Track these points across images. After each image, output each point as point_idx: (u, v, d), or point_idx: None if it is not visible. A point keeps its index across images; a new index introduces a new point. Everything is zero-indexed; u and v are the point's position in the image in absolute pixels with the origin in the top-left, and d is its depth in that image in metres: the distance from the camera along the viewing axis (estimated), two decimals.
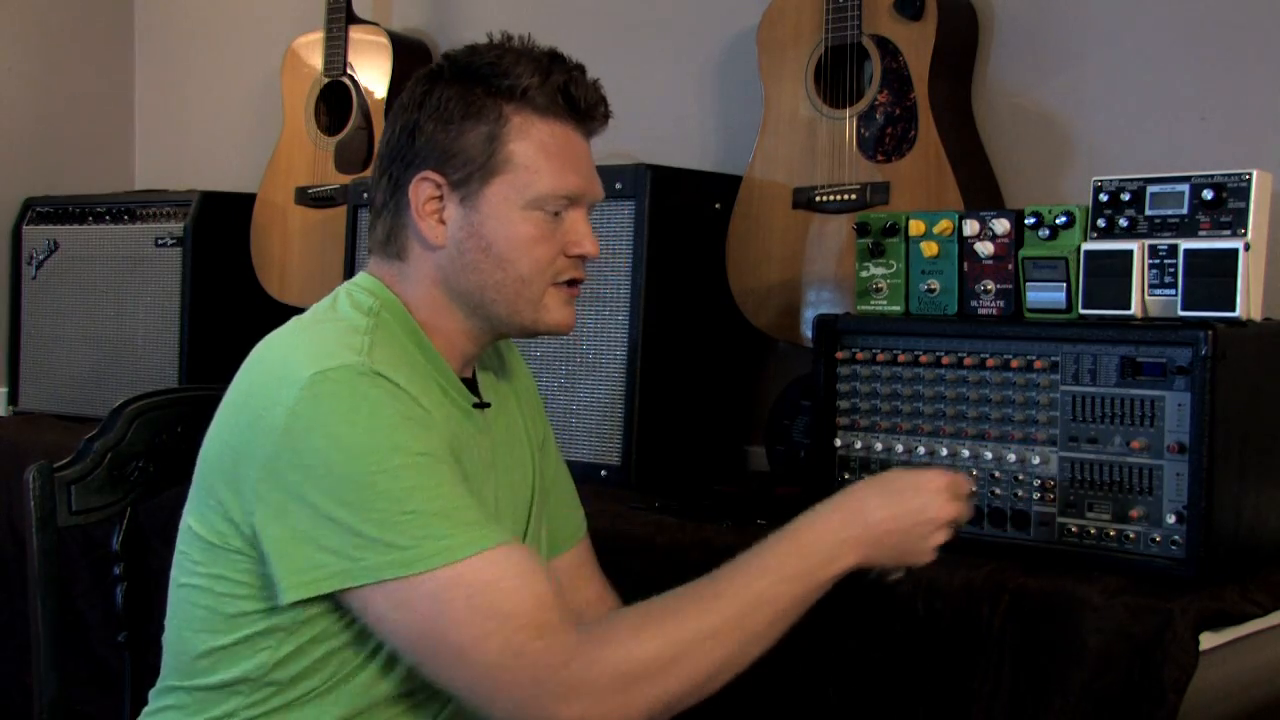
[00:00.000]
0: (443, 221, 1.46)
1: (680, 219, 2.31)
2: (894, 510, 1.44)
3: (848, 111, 2.22)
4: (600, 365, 2.27)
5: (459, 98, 1.46)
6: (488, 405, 1.54)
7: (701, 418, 2.38)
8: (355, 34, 2.90)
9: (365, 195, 2.54)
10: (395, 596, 1.29)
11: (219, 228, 3.00)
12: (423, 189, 1.46)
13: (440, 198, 1.46)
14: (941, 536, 1.46)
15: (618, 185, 2.26)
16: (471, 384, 1.53)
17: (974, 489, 1.56)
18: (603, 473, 2.25)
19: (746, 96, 2.47)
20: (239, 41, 3.49)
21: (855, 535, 1.41)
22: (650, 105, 2.74)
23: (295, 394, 1.31)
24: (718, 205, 2.36)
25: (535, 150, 1.45)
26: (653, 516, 1.98)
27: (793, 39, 2.29)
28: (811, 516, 1.43)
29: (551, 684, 1.27)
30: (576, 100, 1.48)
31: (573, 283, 1.51)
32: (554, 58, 1.51)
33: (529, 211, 1.45)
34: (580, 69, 1.52)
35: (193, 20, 3.60)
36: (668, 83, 2.72)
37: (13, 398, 3.20)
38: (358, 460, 1.30)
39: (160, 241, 2.98)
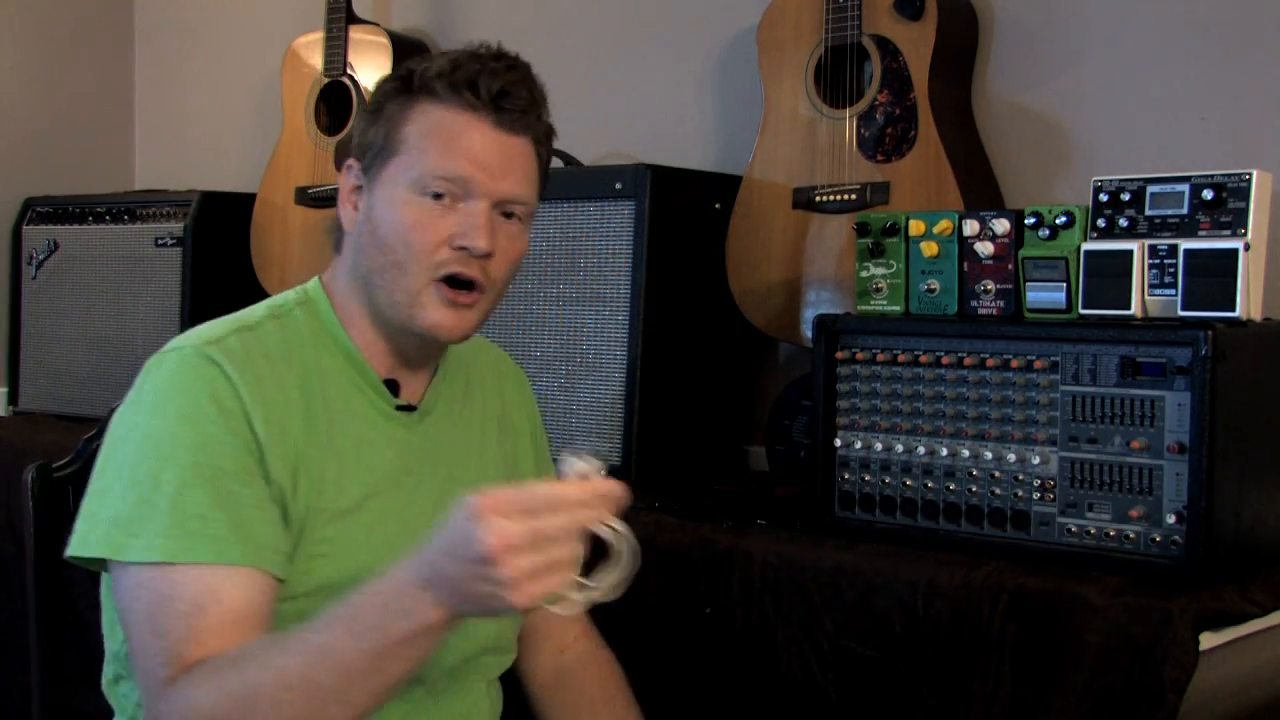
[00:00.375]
0: (357, 208, 1.47)
1: (680, 219, 2.31)
2: (442, 547, 1.18)
3: (848, 111, 2.22)
4: (600, 365, 2.27)
5: (382, 90, 1.47)
6: (413, 409, 1.51)
7: (701, 418, 2.38)
8: (355, 34, 2.90)
9: None
10: (115, 576, 1.34)
11: (219, 228, 3.00)
12: (347, 176, 1.48)
13: (361, 187, 1.47)
14: (518, 566, 1.13)
15: (618, 185, 2.26)
16: (394, 385, 1.50)
17: (590, 479, 1.19)
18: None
19: (746, 96, 2.47)
20: (239, 41, 3.49)
21: (424, 581, 1.20)
22: (650, 105, 2.74)
23: (143, 372, 1.40)
24: (718, 205, 2.36)
25: (426, 132, 1.43)
26: (653, 516, 1.98)
27: (793, 39, 2.29)
28: (400, 562, 1.23)
29: (146, 716, 1.31)
30: (478, 88, 1.42)
31: (458, 283, 1.42)
32: (487, 56, 1.46)
33: (411, 194, 1.42)
34: (508, 67, 1.45)
35: (193, 20, 3.60)
36: (668, 83, 2.72)
37: (13, 398, 3.20)
38: (139, 440, 1.35)
39: (160, 241, 2.98)
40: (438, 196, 1.41)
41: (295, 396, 1.41)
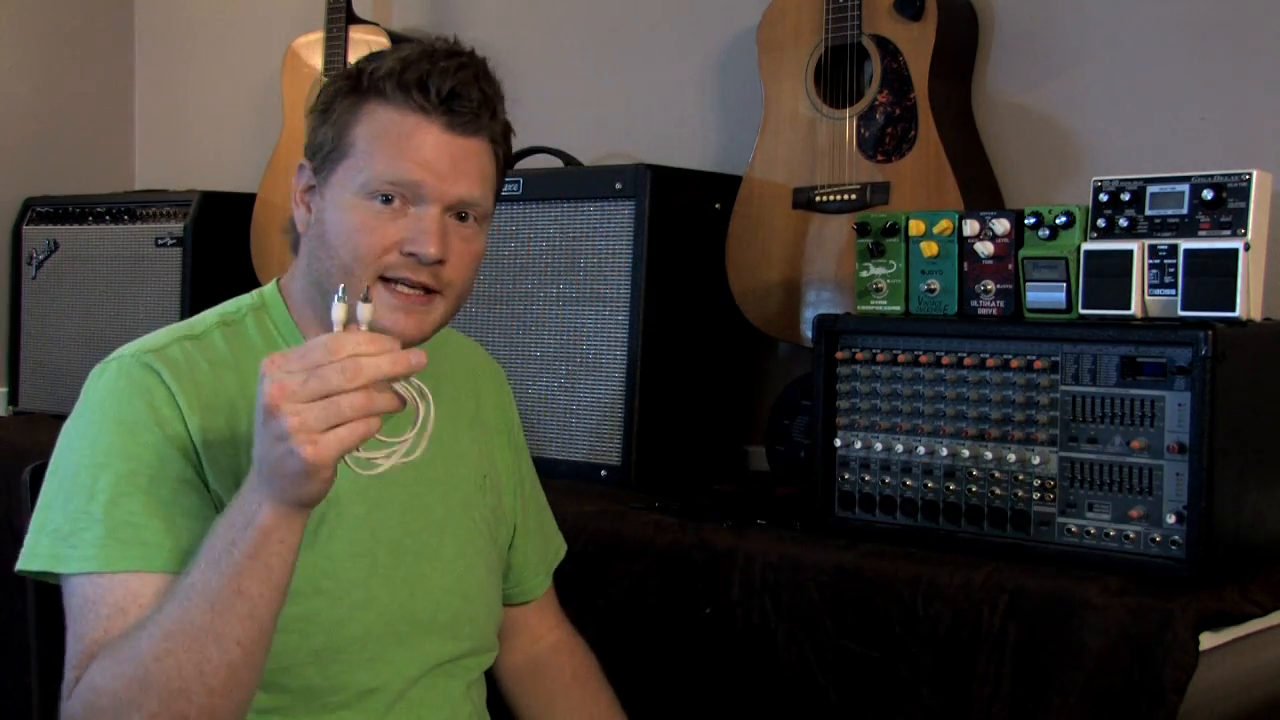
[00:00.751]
0: (310, 209, 1.46)
1: (680, 219, 2.31)
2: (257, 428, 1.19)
3: (848, 111, 2.22)
4: (600, 365, 2.27)
5: (332, 89, 1.45)
6: None
7: (701, 418, 2.38)
8: (355, 34, 2.90)
9: None
10: (64, 585, 1.32)
11: (219, 228, 3.00)
12: (300, 177, 1.46)
13: (313, 187, 1.45)
14: (302, 416, 1.13)
15: (618, 185, 2.26)
16: None
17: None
18: (603, 473, 2.25)
19: (746, 96, 2.47)
20: (239, 41, 3.49)
21: (250, 482, 1.21)
22: (650, 105, 2.74)
23: (86, 381, 1.41)
24: (718, 205, 2.36)
25: (374, 135, 1.39)
26: (653, 516, 1.98)
27: (793, 39, 2.29)
28: None
29: (62, 714, 1.28)
30: (428, 89, 1.38)
31: (411, 285, 1.40)
32: (439, 53, 1.41)
33: (359, 198, 1.39)
34: (460, 65, 1.40)
35: (193, 20, 3.60)
36: (668, 83, 2.72)
37: (13, 398, 3.20)
38: (79, 450, 1.35)
39: (160, 241, 2.98)
40: (387, 200, 1.39)
41: (240, 405, 1.38)
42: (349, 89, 1.43)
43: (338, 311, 1.20)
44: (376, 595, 1.44)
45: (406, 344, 1.40)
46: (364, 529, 1.44)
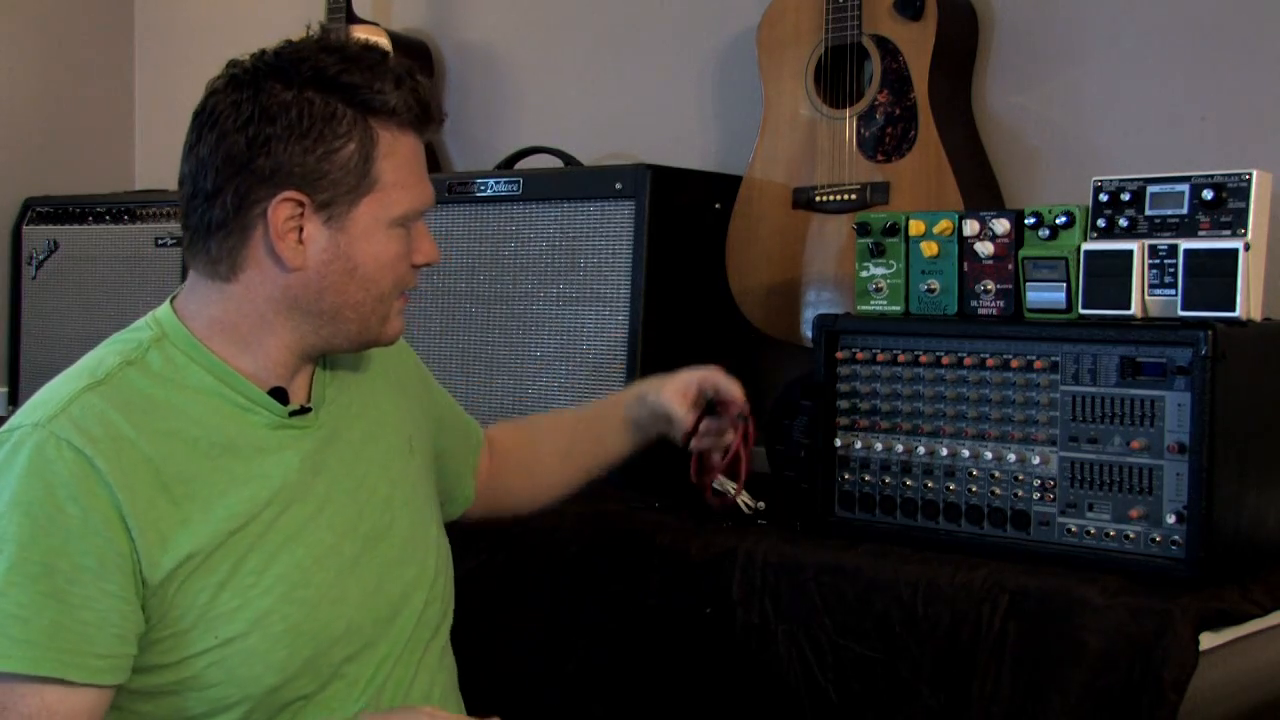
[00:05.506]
0: (301, 242, 1.38)
1: (680, 219, 2.31)
2: None
3: (848, 111, 2.22)
4: (600, 365, 2.27)
5: (322, 113, 1.37)
6: (308, 410, 1.46)
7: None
8: (355, 34, 2.90)
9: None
10: None
11: None
12: (283, 209, 1.37)
13: (300, 216, 1.38)
14: None
15: (618, 185, 2.26)
16: (281, 393, 1.44)
17: None
18: None
19: (746, 96, 2.47)
20: (239, 41, 3.48)
21: None
22: (650, 105, 2.74)
23: None
24: (718, 205, 2.36)
25: (399, 167, 1.40)
26: (653, 516, 1.98)
27: (793, 39, 2.29)
28: None
29: None
30: (429, 109, 1.43)
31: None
32: (392, 62, 1.43)
33: (393, 229, 1.41)
34: (414, 71, 1.45)
35: (193, 20, 3.60)
36: (668, 83, 2.72)
37: (13, 398, 3.20)
38: None
39: (160, 241, 2.98)
40: (407, 227, 1.45)
41: (165, 448, 1.34)
42: (350, 117, 1.37)
43: None
44: (349, 590, 1.44)
45: (396, 341, 1.51)
46: (320, 527, 1.43)
